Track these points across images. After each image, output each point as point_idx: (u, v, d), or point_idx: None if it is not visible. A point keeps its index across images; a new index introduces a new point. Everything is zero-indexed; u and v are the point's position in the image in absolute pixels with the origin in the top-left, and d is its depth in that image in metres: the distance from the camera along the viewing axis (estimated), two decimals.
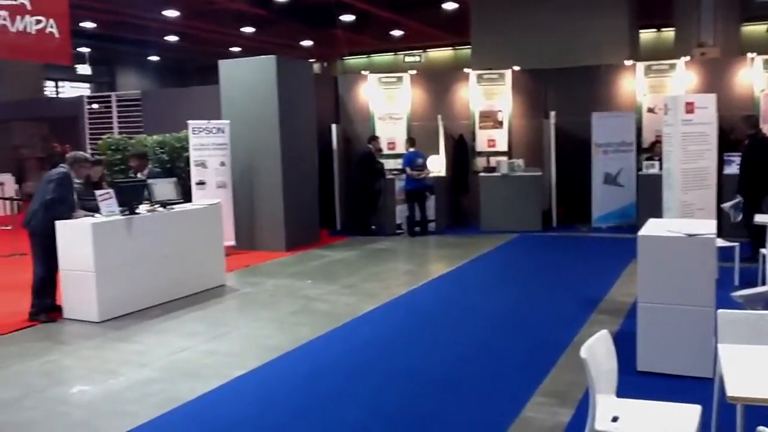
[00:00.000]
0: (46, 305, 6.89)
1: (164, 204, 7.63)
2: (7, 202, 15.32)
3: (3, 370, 5.43)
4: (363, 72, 14.04)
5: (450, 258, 9.91)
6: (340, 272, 8.99)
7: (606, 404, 3.04)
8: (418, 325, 6.54)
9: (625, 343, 5.10)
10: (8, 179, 16.70)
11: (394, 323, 6.62)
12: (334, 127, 12.46)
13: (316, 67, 32.59)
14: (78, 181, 7.20)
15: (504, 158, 12.59)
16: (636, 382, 4.49)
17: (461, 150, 13.02)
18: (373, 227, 12.00)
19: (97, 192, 7.00)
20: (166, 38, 27.24)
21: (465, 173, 12.97)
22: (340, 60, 34.29)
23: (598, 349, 3.03)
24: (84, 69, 28.39)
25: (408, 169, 11.59)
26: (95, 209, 6.97)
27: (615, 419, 2.98)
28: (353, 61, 34.70)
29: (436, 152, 12.53)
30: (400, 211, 11.93)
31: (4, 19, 7.94)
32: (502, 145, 13.13)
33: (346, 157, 12.73)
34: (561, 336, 5.77)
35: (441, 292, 7.89)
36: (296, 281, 8.49)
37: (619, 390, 3.28)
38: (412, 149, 11.90)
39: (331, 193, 12.28)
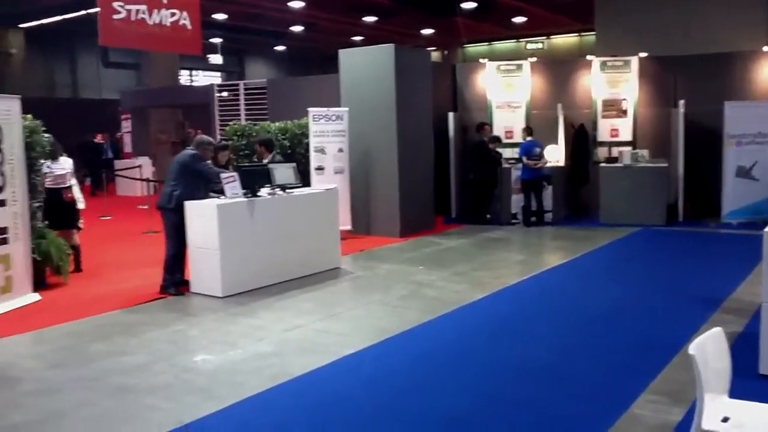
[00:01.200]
0: (175, 280, 7.40)
1: (284, 188, 7.96)
2: (145, 183, 16.43)
3: (137, 337, 5.90)
4: (482, 60, 13.92)
5: (565, 250, 9.71)
6: (453, 260, 9.03)
7: (716, 404, 2.92)
8: (528, 316, 6.48)
9: (748, 345, 4.86)
10: (146, 162, 17.91)
11: (503, 312, 6.60)
12: (451, 115, 12.47)
13: (437, 55, 32.62)
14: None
15: (627, 149, 12.13)
16: (756, 386, 4.27)
17: (581, 139, 12.66)
18: (489, 216, 11.95)
19: (223, 175, 7.40)
20: (292, 28, 28.14)
21: (585, 163, 12.61)
22: (461, 48, 34.09)
23: (708, 347, 2.91)
24: (216, 59, 29.88)
25: (525, 159, 11.43)
26: (221, 191, 7.38)
27: (725, 420, 2.86)
28: (474, 48, 34.42)
29: (555, 142, 12.25)
30: (516, 201, 11.80)
31: (143, 13, 8.54)
32: (626, 135, 12.67)
33: (463, 146, 12.71)
34: (678, 334, 5.53)
35: (553, 284, 7.76)
36: (409, 267, 8.61)
37: (737, 392, 3.14)
38: (529, 138, 11.72)
39: (446, 181, 12.32)
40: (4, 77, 26.34)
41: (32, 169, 7.50)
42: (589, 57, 13.27)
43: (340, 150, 10.57)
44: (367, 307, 6.82)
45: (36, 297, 7.23)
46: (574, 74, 13.08)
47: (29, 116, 7.47)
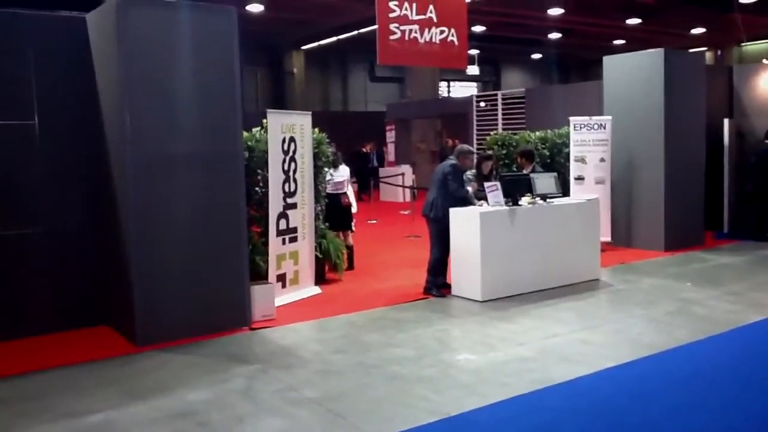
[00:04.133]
0: (438, 282, 7.84)
1: (545, 197, 8.03)
2: (406, 189, 17.47)
3: (405, 332, 6.39)
4: (765, 60, 12.66)
5: None
6: (725, 278, 8.39)
7: None
8: None
9: None
10: (407, 170, 19.01)
11: None
12: (726, 121, 11.53)
13: (708, 56, 30.12)
14: (469, 175, 8.01)
15: None
16: None
17: None
18: None
19: (486, 184, 7.69)
20: (549, 36, 27.91)
21: None
22: (737, 47, 31.10)
23: None
24: (473, 69, 30.65)
25: None
26: (484, 199, 7.68)
27: None
28: (754, 46, 31.21)
29: None
30: None
31: (416, 32, 9.17)
32: None
33: (739, 155, 11.68)
34: None
35: None
36: (674, 282, 8.18)
37: None
38: None
39: (719, 192, 11.42)
40: (288, 94, 29.65)
41: (317, 176, 8.44)
42: None
43: (602, 159, 10.33)
44: (629, 321, 6.63)
45: (317, 290, 8.13)
46: None
47: (316, 129, 8.42)
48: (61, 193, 6.51)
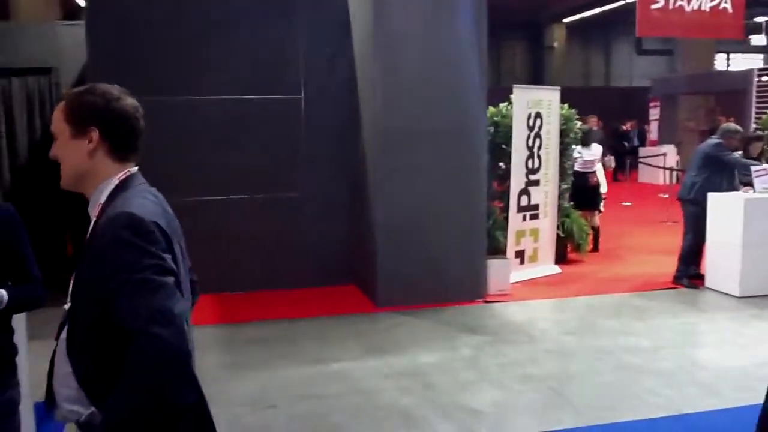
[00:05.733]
0: (689, 272, 7.26)
1: None
2: (667, 171, 16.28)
3: (644, 321, 6.05)
4: None
5: None
6: None
7: None
8: None
9: None
10: (670, 150, 17.64)
11: None
12: None
13: None
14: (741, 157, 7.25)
15: None
16: None
17: None
18: None
19: (753, 167, 6.92)
20: None
21: None
22: None
23: None
24: (758, 40, 27.28)
25: None
26: (750, 184, 6.93)
27: None
28: None
29: None
30: None
31: (682, 0, 8.45)
32: None
33: None
34: None
35: None
36: None
37: None
38: None
39: None
40: (546, 69, 29.10)
41: (564, 153, 8.23)
42: None
43: None
44: None
45: (556, 269, 7.99)
46: None
47: (566, 105, 8.19)
48: (320, 161, 7.17)
